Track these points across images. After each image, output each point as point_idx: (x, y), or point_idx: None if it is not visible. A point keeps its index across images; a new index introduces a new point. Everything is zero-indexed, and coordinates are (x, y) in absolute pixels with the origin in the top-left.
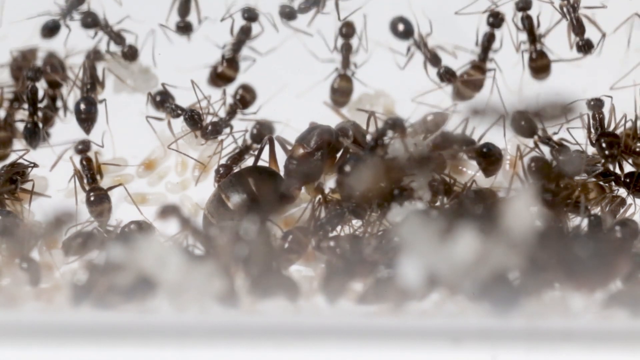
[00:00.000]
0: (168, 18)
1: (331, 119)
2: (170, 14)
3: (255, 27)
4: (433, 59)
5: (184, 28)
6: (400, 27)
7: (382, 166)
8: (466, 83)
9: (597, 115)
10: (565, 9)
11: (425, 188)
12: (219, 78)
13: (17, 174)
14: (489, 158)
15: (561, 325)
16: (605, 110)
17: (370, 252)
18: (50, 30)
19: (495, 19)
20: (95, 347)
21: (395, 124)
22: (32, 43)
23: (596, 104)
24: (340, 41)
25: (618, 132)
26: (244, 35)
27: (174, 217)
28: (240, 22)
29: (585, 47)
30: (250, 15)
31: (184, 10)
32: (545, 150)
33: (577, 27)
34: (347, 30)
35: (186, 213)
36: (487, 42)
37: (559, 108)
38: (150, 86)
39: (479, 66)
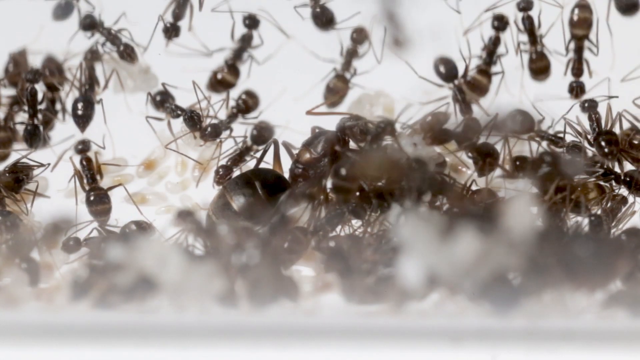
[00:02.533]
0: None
1: (330, 122)
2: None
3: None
4: (466, 108)
5: (172, 31)
6: (442, 69)
7: (385, 158)
8: (472, 87)
9: (593, 116)
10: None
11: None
12: (219, 84)
13: (23, 174)
14: (485, 156)
15: (561, 325)
16: (600, 111)
17: (370, 252)
18: (63, 10)
19: (500, 22)
20: (95, 347)
21: (387, 127)
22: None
23: (590, 105)
24: (347, 44)
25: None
26: (246, 43)
27: (189, 222)
28: (241, 28)
29: (579, 90)
30: (252, 23)
31: (178, 14)
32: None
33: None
34: (358, 36)
35: (200, 219)
36: (493, 46)
37: (519, 122)
38: (150, 86)
39: (485, 70)
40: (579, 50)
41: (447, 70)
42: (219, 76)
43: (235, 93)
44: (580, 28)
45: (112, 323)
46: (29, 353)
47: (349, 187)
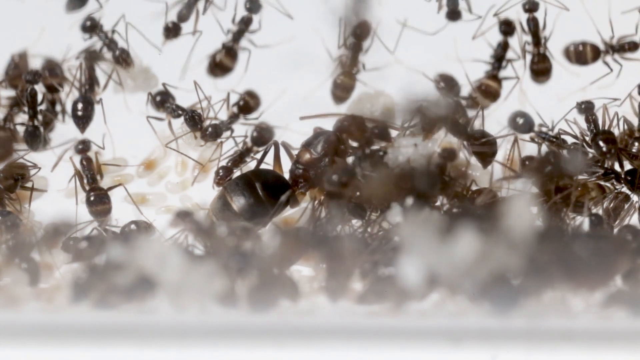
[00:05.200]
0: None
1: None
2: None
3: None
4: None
5: (172, 30)
6: (442, 84)
7: (390, 177)
8: (483, 93)
9: (590, 118)
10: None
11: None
12: (216, 66)
13: (19, 174)
14: (484, 145)
15: (561, 325)
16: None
17: (370, 252)
18: (77, 2)
19: (508, 27)
20: (95, 347)
21: (382, 134)
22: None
23: (587, 106)
24: (350, 40)
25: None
26: (244, 25)
27: (188, 223)
28: (242, 12)
29: None
30: (253, 6)
31: (184, 16)
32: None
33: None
34: (361, 31)
35: (200, 219)
36: (502, 51)
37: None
38: (151, 86)
39: (495, 75)
40: (617, 49)
41: (448, 87)
42: (217, 58)
43: (233, 90)
44: (595, 50)
45: (112, 323)
46: (29, 353)
47: (342, 194)
